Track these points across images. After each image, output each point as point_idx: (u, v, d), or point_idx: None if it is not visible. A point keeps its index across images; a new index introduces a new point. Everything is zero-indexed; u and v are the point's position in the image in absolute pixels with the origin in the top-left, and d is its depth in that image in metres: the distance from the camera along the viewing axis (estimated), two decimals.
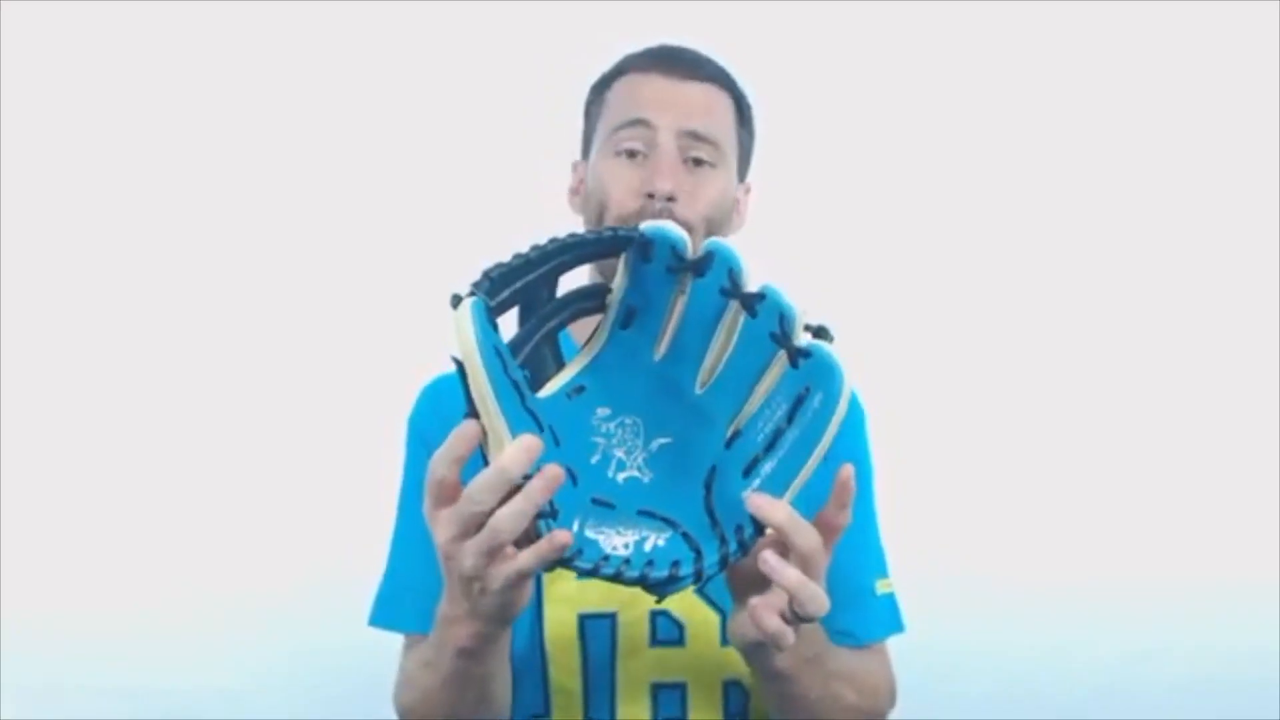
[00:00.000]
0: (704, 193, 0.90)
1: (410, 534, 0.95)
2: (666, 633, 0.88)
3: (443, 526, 0.59)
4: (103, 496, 1.73)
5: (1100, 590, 1.85)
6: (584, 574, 0.60)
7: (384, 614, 0.98)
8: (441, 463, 0.59)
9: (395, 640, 0.98)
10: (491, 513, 0.56)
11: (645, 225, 0.64)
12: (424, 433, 0.96)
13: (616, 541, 0.61)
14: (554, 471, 0.56)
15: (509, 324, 0.63)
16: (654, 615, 0.88)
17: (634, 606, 0.88)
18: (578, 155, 1.05)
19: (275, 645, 1.74)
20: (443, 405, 0.95)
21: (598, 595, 0.87)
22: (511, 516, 0.56)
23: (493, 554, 0.57)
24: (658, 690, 0.87)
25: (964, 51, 1.94)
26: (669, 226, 0.64)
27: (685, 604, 0.89)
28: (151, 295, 1.80)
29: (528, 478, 0.56)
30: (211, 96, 1.83)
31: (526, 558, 0.57)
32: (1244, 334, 1.93)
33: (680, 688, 0.87)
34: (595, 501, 0.62)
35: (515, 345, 0.63)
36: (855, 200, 1.93)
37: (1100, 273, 1.95)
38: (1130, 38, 1.94)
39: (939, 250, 1.93)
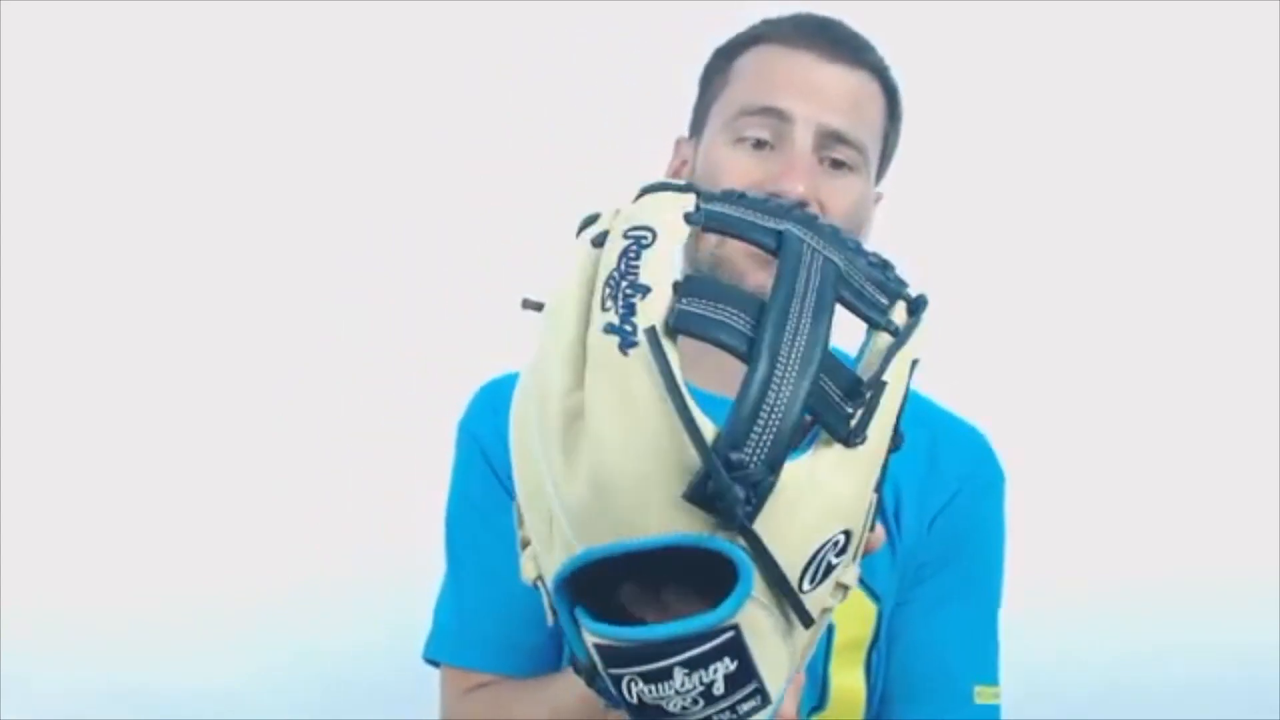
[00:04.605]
0: (839, 201, 0.76)
1: (475, 556, 0.82)
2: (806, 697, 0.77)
3: None
4: (103, 496, 1.73)
5: (1101, 590, 1.85)
6: None
7: (452, 649, 0.80)
8: None
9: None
10: None
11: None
12: (480, 437, 0.84)
13: None
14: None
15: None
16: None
17: None
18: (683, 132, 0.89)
19: (275, 645, 1.74)
20: (503, 407, 0.85)
21: None
22: None
23: None
24: None
25: (982, 52, 1.94)
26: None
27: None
28: (153, 295, 1.79)
29: None
30: (243, 96, 1.82)
31: None
32: (1244, 334, 1.93)
33: None
34: None
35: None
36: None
37: (1099, 273, 1.95)
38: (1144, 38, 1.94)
39: (943, 249, 1.92)
